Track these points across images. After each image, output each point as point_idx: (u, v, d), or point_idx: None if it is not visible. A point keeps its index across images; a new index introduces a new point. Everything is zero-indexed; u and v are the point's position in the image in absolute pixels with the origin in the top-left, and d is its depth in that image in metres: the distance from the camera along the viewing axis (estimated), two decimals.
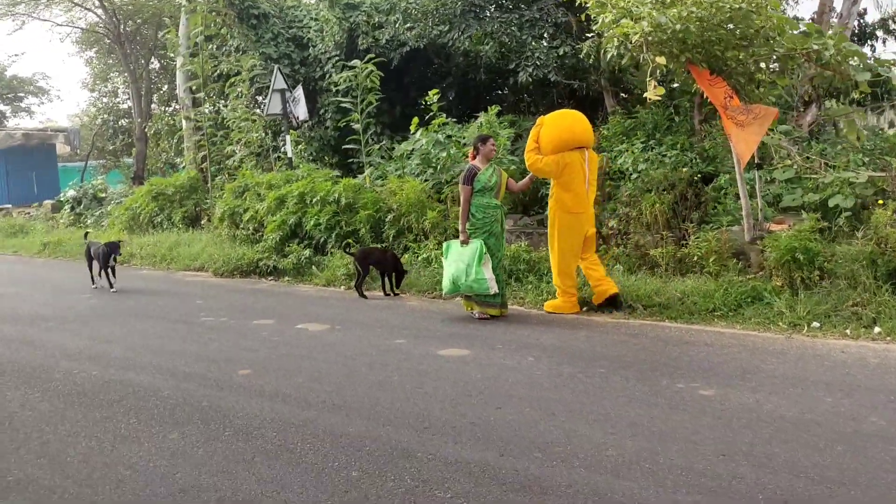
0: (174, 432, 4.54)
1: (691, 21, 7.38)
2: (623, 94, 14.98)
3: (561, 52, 12.15)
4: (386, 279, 9.24)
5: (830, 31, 7.98)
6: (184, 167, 19.96)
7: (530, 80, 12.34)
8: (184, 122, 20.22)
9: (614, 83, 14.45)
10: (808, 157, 10.27)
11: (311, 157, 15.65)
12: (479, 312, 7.57)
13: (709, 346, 6.11)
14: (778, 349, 5.93)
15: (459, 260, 7.47)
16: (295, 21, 17.19)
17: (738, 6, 7.45)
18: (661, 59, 7.11)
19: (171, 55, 17.01)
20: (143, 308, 9.03)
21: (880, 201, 7.26)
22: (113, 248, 10.24)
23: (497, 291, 7.47)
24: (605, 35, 8.22)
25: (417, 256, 9.84)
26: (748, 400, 4.72)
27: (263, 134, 15.69)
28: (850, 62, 7.49)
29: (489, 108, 13.53)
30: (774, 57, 7.93)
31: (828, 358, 5.62)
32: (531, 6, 12.68)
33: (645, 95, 7.23)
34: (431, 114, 11.79)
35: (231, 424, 4.63)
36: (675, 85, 13.60)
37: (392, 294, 9.19)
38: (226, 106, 17.98)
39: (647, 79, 7.22)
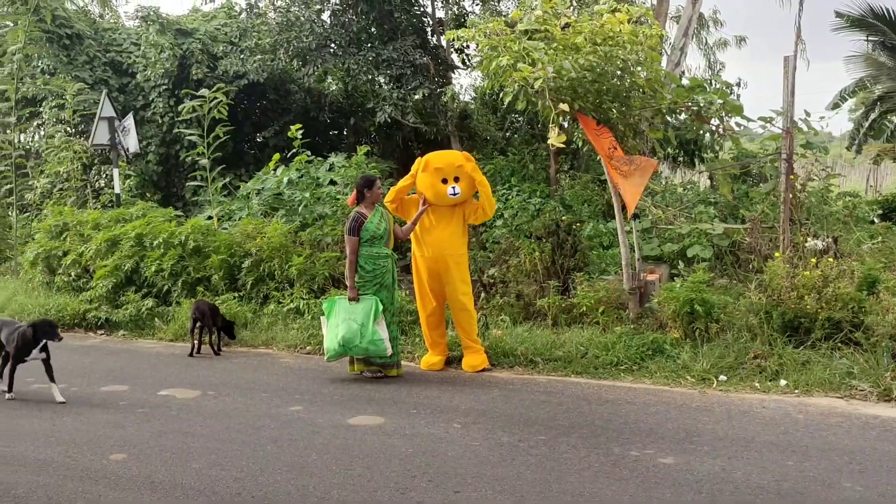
0: None
1: (588, 69, 7.31)
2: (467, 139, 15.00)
3: (419, 95, 11.83)
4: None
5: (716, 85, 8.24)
6: None
7: (388, 120, 11.89)
8: None
9: (461, 128, 14.41)
10: (665, 208, 10.65)
11: (131, 194, 14.10)
12: (372, 371, 6.88)
13: (631, 405, 5.87)
14: (701, 406, 5.80)
15: (350, 319, 6.62)
16: (113, 44, 15.63)
17: (630, 57, 7.50)
18: (564, 106, 6.92)
19: None
20: None
21: (777, 254, 7.47)
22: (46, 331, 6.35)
23: (393, 352, 6.81)
24: (497, 78, 7.99)
25: (283, 306, 8.93)
26: (714, 468, 4.47)
27: (74, 166, 13.93)
28: (730, 117, 7.75)
29: (336, 149, 12.99)
30: (659, 109, 8.04)
31: (755, 415, 5.55)
32: (386, 45, 12.28)
33: (549, 142, 6.99)
34: (293, 151, 10.96)
35: None
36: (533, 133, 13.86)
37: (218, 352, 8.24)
38: (27, 133, 15.92)
39: (550, 125, 7.01)
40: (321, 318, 7.12)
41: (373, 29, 13.07)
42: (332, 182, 11.31)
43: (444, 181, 7.02)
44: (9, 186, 13.65)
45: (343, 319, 6.66)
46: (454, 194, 7.01)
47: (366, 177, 7.24)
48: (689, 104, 7.89)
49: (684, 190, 12.68)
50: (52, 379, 6.35)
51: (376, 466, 4.57)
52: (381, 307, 6.69)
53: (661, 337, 7.14)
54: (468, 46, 15.36)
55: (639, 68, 7.79)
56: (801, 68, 12.25)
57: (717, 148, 15.37)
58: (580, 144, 11.33)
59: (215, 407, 6.00)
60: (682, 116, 8.35)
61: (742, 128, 7.95)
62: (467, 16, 14.05)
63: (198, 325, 8.05)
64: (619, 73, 7.67)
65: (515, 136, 15.98)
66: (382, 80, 13.64)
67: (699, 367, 6.58)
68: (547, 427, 5.30)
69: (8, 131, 14.41)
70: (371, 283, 6.79)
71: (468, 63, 15.21)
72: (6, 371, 6.42)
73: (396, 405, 5.94)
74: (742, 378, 6.41)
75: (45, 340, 6.24)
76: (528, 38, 7.74)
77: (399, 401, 6.08)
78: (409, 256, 10.44)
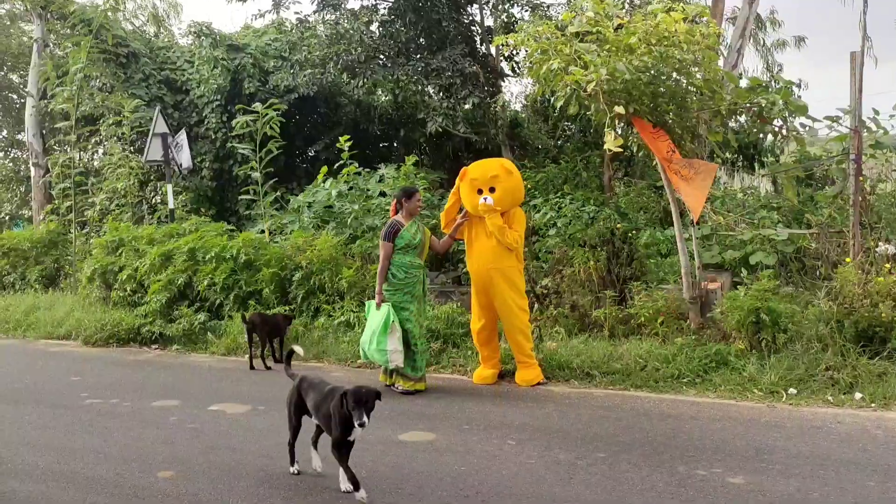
0: None
1: (643, 71, 7.06)
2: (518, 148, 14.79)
3: (469, 104, 11.68)
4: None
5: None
6: (26, 220, 17.89)
7: (439, 130, 11.76)
8: (32, 169, 18.18)
9: (511, 137, 14.22)
10: (725, 214, 10.26)
11: (186, 209, 14.28)
12: (400, 387, 6.73)
13: (695, 420, 5.57)
14: (771, 421, 5.47)
15: (369, 325, 6.73)
16: (167, 63, 15.91)
17: (686, 58, 7.22)
18: (620, 109, 6.68)
19: (39, 93, 15.14)
20: (4, 389, 7.48)
21: (847, 259, 7.08)
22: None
23: (401, 366, 6.63)
24: (548, 83, 7.79)
25: (333, 319, 8.84)
26: (788, 488, 4.16)
27: (131, 182, 14.14)
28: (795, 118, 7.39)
29: (386, 160, 12.87)
30: (718, 111, 7.72)
31: (830, 431, 5.20)
32: (435, 55, 12.17)
33: (605, 147, 6.76)
34: (341, 162, 10.91)
35: None
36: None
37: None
38: (86, 151, 16.29)
39: (606, 129, 6.77)
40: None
41: (421, 39, 13.00)
42: (383, 194, 11.23)
43: (480, 191, 6.84)
44: (69, 203, 13.94)
45: (367, 324, 6.76)
46: (485, 202, 6.83)
47: (406, 188, 7.18)
48: (751, 105, 7.56)
49: (744, 195, 12.26)
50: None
51: (427, 485, 4.38)
52: (392, 317, 6.56)
53: (725, 348, 6.82)
54: (517, 53, 15.22)
55: (696, 69, 7.51)
56: (869, 67, 11.72)
57: (778, 151, 14.88)
58: (635, 150, 11.05)
59: (265, 423, 5.90)
60: (742, 118, 7.99)
61: (807, 128, 7.56)
62: (516, 23, 13.88)
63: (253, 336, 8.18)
64: (675, 74, 7.41)
65: (567, 143, 15.73)
66: (431, 91, 13.56)
67: (767, 380, 6.25)
68: (606, 444, 5.04)
69: (68, 149, 14.74)
70: (401, 291, 6.71)
71: (517, 70, 15.04)
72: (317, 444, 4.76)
73: (448, 421, 5.76)
74: (813, 391, 6.06)
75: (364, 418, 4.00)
76: (580, 41, 7.54)
77: (451, 416, 5.89)
78: (460, 267, 10.30)
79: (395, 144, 17.15)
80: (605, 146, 6.75)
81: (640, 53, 7.09)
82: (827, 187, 10.11)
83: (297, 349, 5.17)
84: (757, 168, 14.63)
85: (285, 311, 8.99)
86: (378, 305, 6.64)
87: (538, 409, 5.98)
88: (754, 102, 7.60)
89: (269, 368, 8.11)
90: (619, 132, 7.10)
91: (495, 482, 4.41)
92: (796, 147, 8.80)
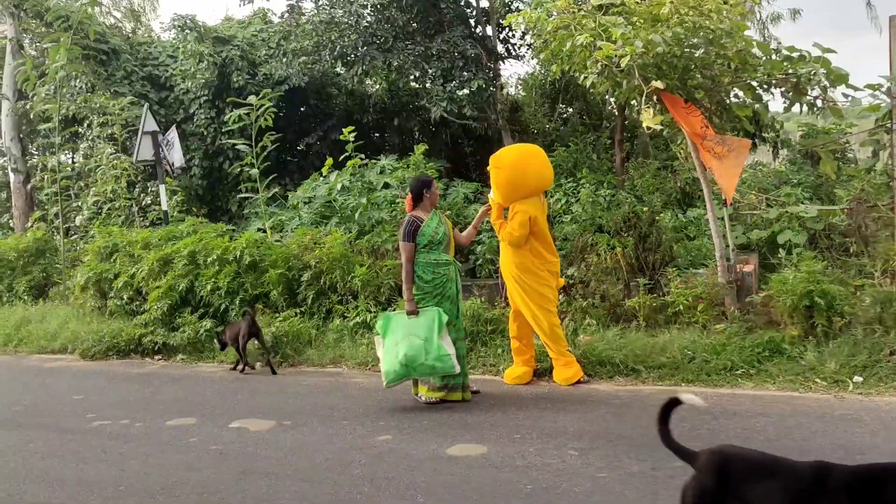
0: None
1: (675, 43, 6.61)
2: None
3: (473, 88, 11.16)
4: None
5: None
6: (8, 228, 17.21)
7: (444, 116, 11.26)
8: (11, 175, 17.46)
9: (511, 122, 13.75)
10: (755, 193, 9.87)
11: (179, 210, 13.70)
12: (428, 398, 6.10)
13: (764, 416, 5.15)
14: (845, 414, 5.07)
15: (412, 335, 5.83)
16: (149, 59, 15.27)
17: (719, 28, 6.77)
18: (659, 83, 6.22)
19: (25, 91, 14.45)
20: (4, 411, 6.94)
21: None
22: None
23: (460, 370, 6.01)
24: (567, 61, 7.34)
25: (348, 321, 8.35)
26: None
27: (121, 184, 13.51)
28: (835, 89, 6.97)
29: (380, 151, 12.36)
30: (749, 83, 7.29)
31: None
32: (434, 38, 11.65)
33: (644, 124, 6.30)
34: (345, 155, 10.39)
35: None
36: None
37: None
38: (72, 153, 15.60)
39: (643, 106, 6.31)
40: (375, 338, 6.30)
41: (413, 24, 12.47)
42: (386, 185, 10.74)
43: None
44: (55, 210, 13.31)
45: (403, 336, 5.89)
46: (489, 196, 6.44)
47: (422, 178, 6.44)
48: (787, 76, 7.13)
49: (753, 171, 11.89)
50: None
51: None
52: (444, 318, 5.94)
53: (777, 335, 6.39)
54: (513, 35, 14.71)
55: (727, 39, 7.06)
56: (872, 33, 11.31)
57: (778, 126, 14.51)
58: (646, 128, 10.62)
59: (295, 440, 5.41)
60: (776, 90, 7.55)
61: (849, 98, 7.12)
62: (513, 2, 13.39)
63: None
64: (707, 45, 6.95)
65: (565, 126, 15.29)
66: (430, 76, 13.05)
67: (828, 369, 5.85)
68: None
69: (50, 153, 14.10)
70: (431, 294, 6.04)
71: (512, 52, 14.54)
72: None
73: (496, 430, 5.30)
74: (881, 379, 5.67)
75: None
76: (603, 14, 7.09)
77: (497, 424, 5.43)
78: (472, 259, 9.83)
79: (388, 134, 16.64)
80: (644, 123, 6.29)
81: (672, 24, 6.64)
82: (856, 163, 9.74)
83: (690, 398, 3.18)
84: (757, 143, 14.25)
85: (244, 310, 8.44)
86: (410, 314, 5.94)
87: (590, 413, 5.54)
88: (790, 73, 7.20)
89: (252, 368, 7.98)
90: (658, 109, 6.63)
91: (570, 500, 3.96)
92: (833, 118, 8.38)
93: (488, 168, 6.45)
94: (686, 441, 4.64)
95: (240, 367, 7.92)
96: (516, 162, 6.34)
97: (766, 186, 10.67)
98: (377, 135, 16.48)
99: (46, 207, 14.52)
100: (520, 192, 6.29)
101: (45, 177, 13.71)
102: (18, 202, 17.26)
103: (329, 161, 10.75)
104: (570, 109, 16.33)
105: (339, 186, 10.13)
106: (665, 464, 4.34)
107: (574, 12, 7.20)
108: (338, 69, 13.54)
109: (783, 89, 7.30)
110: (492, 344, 7.39)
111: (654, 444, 4.65)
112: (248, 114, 10.56)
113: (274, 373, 7.73)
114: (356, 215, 9.77)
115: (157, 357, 9.04)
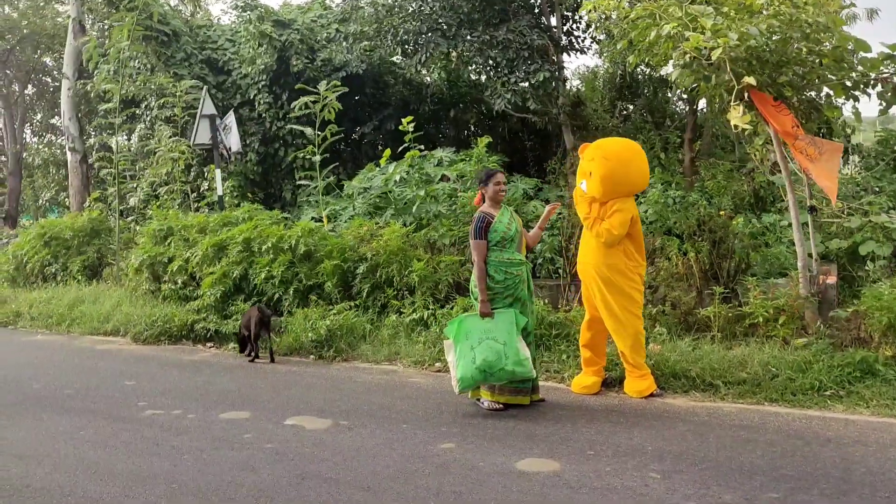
0: None
1: (769, 36, 6.16)
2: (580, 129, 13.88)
3: (541, 79, 10.76)
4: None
5: None
6: (64, 206, 17.35)
7: (508, 107, 10.89)
8: (69, 154, 17.61)
9: (572, 117, 13.33)
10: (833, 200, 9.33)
11: (234, 195, 13.61)
12: (491, 403, 5.77)
13: (863, 445, 4.72)
14: None
15: (489, 339, 5.53)
16: (208, 42, 15.20)
17: (817, 21, 6.30)
18: (751, 79, 5.78)
19: (88, 68, 14.52)
20: (54, 394, 6.84)
21: None
22: None
23: (535, 374, 5.76)
24: (650, 52, 6.93)
25: (404, 317, 8.08)
26: None
27: (179, 167, 13.44)
28: None
29: (435, 143, 12.04)
30: (842, 83, 6.79)
31: None
32: (499, 27, 11.29)
33: (732, 122, 5.88)
34: (405, 145, 10.11)
35: None
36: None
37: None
38: (130, 134, 15.63)
39: (732, 104, 5.88)
40: (445, 342, 5.95)
41: (475, 15, 12.11)
42: (444, 178, 10.43)
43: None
44: (112, 190, 13.31)
45: (479, 340, 5.55)
46: (579, 187, 6.06)
47: (485, 170, 6.05)
48: (887, 75, 6.63)
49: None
50: None
51: None
52: (522, 321, 5.63)
53: (870, 355, 5.92)
54: (577, 28, 14.26)
55: (824, 34, 6.58)
56: None
57: (849, 131, 13.86)
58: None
59: (353, 443, 5.14)
60: (872, 90, 7.04)
61: None
62: None
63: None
64: (803, 39, 6.48)
65: (625, 123, 14.84)
66: (490, 67, 12.71)
67: None
68: (771, 479, 4.20)
69: (109, 133, 14.11)
70: (502, 295, 5.69)
71: (577, 45, 14.11)
72: None
73: (567, 444, 4.95)
74: None
75: None
76: (690, 3, 6.66)
77: (567, 438, 5.09)
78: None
79: (444, 126, 16.34)
80: (733, 122, 5.87)
81: (766, 17, 6.20)
82: None
83: None
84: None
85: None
86: (484, 315, 5.61)
87: (668, 430, 5.16)
88: (890, 73, 6.70)
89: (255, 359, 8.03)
90: (747, 107, 6.19)
91: None
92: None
93: (584, 158, 6.03)
94: (780, 469, 4.27)
95: (251, 353, 8.09)
96: (622, 154, 5.95)
97: (847, 193, 10.11)
98: (433, 126, 16.20)
99: (106, 187, 14.55)
100: (621, 189, 5.90)
101: (103, 156, 13.70)
102: (75, 181, 17.43)
103: (387, 152, 10.49)
104: (632, 106, 15.86)
105: (397, 177, 9.84)
106: (759, 495, 3.99)
107: (659, 0, 6.80)
108: (395, 58, 13.26)
109: (880, 89, 6.81)
110: (556, 349, 7.05)
111: (744, 470, 4.32)
112: (314, 102, 10.34)
113: (272, 360, 7.93)
114: (413, 208, 9.48)
115: (208, 344, 8.91)
